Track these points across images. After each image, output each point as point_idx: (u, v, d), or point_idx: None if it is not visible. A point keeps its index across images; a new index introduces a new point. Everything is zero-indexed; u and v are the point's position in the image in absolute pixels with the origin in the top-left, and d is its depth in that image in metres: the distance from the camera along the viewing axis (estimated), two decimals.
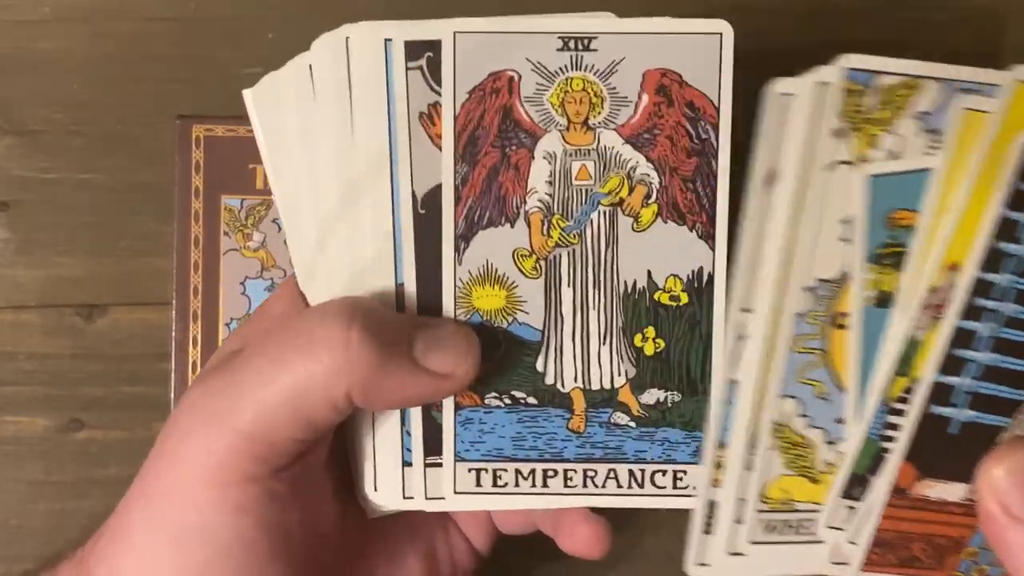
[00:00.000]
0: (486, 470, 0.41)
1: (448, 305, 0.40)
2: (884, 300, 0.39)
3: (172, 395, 0.49)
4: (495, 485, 0.41)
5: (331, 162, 0.40)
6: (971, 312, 0.38)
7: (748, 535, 0.40)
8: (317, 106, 0.40)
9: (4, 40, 0.51)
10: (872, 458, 0.39)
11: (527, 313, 0.40)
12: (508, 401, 0.40)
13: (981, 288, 0.38)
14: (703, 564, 0.40)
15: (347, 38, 0.40)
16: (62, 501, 0.51)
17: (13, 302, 0.51)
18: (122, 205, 0.51)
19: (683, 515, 0.42)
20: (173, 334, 0.49)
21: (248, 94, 0.41)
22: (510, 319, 0.40)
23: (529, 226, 0.40)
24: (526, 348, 0.40)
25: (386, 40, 0.40)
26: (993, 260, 0.38)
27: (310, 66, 0.40)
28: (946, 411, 0.39)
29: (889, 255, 0.39)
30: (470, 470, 0.40)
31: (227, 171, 0.48)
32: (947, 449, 0.39)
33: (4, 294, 0.51)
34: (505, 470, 0.40)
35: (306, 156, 0.41)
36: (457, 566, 0.45)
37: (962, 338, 0.38)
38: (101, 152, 0.51)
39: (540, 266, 0.40)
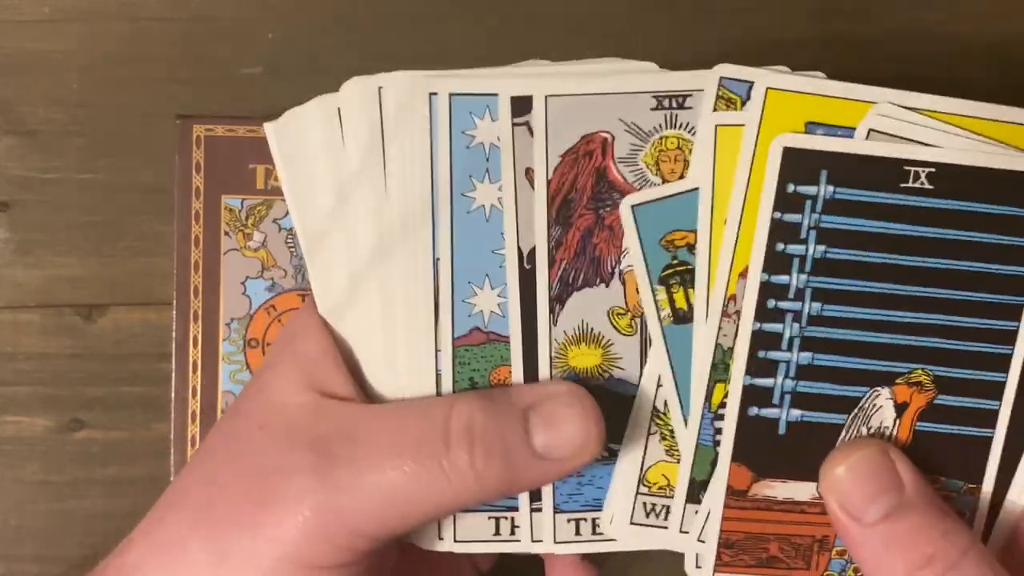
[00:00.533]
0: (585, 519, 0.41)
1: (544, 365, 0.40)
2: (681, 317, 0.40)
3: (172, 395, 0.48)
4: (594, 533, 0.41)
5: (366, 211, 0.40)
6: (767, 314, 0.39)
7: (629, 518, 0.41)
8: (348, 152, 0.40)
9: (4, 40, 0.51)
10: (710, 464, 0.40)
11: (623, 369, 0.40)
12: (605, 454, 0.40)
13: (773, 290, 0.39)
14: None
15: (380, 88, 0.40)
16: (62, 501, 0.51)
17: (13, 302, 0.51)
18: (122, 205, 0.51)
19: None
20: (173, 334, 0.49)
21: (270, 128, 0.41)
22: (605, 375, 0.40)
23: (624, 285, 0.40)
24: (621, 403, 0.41)
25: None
26: (778, 263, 0.38)
27: (339, 109, 0.40)
28: (768, 412, 0.39)
29: (674, 275, 0.39)
30: (569, 520, 0.41)
31: (227, 171, 0.48)
32: (780, 449, 0.39)
33: (4, 294, 0.51)
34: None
35: (334, 197, 0.41)
36: None
37: (765, 340, 0.39)
38: (101, 152, 0.51)
39: (635, 324, 0.40)
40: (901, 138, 0.38)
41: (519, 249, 0.40)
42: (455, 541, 0.41)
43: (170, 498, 0.39)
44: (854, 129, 0.38)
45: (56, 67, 0.51)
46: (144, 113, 0.51)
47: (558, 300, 0.40)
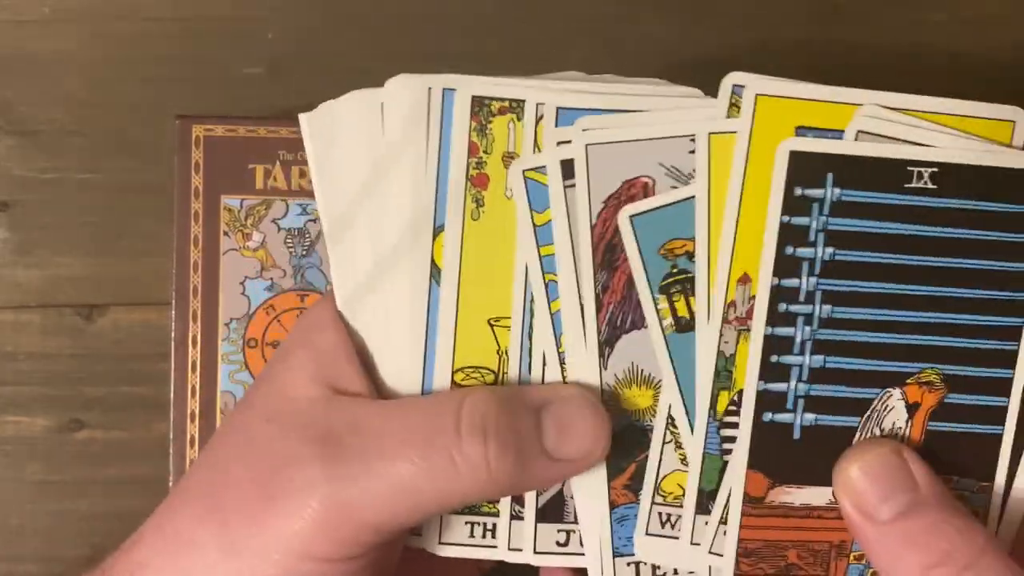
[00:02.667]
0: (644, 563, 0.41)
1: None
2: (683, 325, 0.39)
3: (172, 395, 0.48)
4: (654, 575, 0.41)
5: (394, 204, 0.40)
6: (779, 318, 0.39)
7: (644, 528, 0.40)
8: (385, 143, 0.40)
9: (4, 40, 0.51)
10: (719, 472, 0.40)
11: None
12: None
13: (784, 294, 0.39)
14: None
15: (429, 88, 0.40)
16: (62, 501, 0.51)
17: (13, 302, 0.51)
18: (122, 205, 0.51)
19: None
20: (173, 334, 0.49)
21: (304, 119, 0.41)
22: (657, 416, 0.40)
23: None
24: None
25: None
26: (788, 266, 0.38)
27: (382, 104, 0.40)
28: (783, 417, 0.39)
29: (674, 283, 0.39)
30: (629, 564, 0.41)
31: (227, 171, 0.48)
32: (795, 454, 0.39)
33: (4, 294, 0.51)
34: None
35: (359, 186, 0.41)
36: None
37: (777, 344, 0.39)
38: (101, 152, 0.51)
39: None
40: (893, 139, 0.38)
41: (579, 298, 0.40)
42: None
43: (180, 492, 0.39)
44: (843, 132, 0.38)
45: (56, 67, 0.51)
46: (144, 113, 0.51)
47: (607, 344, 0.40)
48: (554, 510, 0.41)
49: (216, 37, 0.51)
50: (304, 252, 0.49)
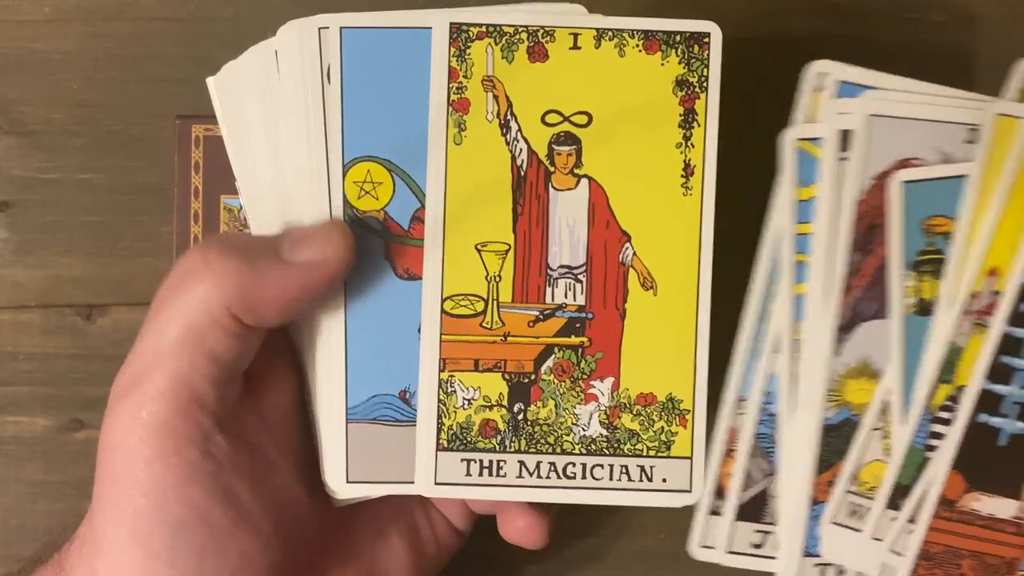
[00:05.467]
0: (830, 564, 0.40)
1: (820, 396, 0.39)
2: (925, 308, 0.39)
3: None
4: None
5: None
6: (1018, 319, 0.38)
7: (832, 515, 0.39)
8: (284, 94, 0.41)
9: (4, 40, 0.51)
10: (917, 468, 0.39)
11: None
12: None
13: None
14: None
15: (320, 28, 0.41)
16: (62, 501, 0.51)
17: (13, 302, 0.51)
18: (122, 205, 0.51)
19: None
20: None
21: (211, 82, 0.42)
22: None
23: None
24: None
25: None
26: None
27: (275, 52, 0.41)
28: (995, 421, 0.38)
29: (927, 262, 0.38)
30: (816, 565, 0.40)
31: (227, 171, 0.48)
32: (996, 461, 0.38)
33: (4, 294, 0.51)
34: None
35: (262, 136, 0.42)
36: (440, 543, 0.45)
37: (1009, 345, 0.38)
38: (101, 152, 0.51)
39: None
40: None
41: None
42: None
43: None
44: None
45: (56, 67, 0.51)
46: (144, 113, 0.51)
47: (844, 330, 0.39)
48: (756, 508, 0.40)
49: (216, 37, 0.51)
50: None
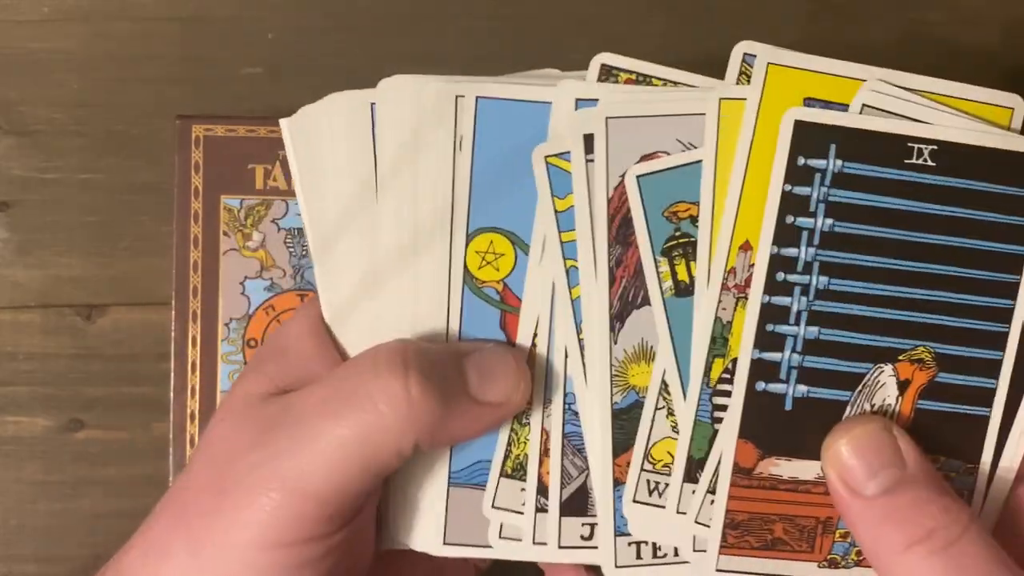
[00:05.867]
0: (645, 543, 0.41)
1: (605, 382, 0.40)
2: (683, 290, 0.40)
3: (171, 395, 0.48)
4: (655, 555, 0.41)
5: (388, 205, 0.40)
6: (776, 287, 0.39)
7: (632, 494, 0.40)
8: (381, 152, 0.40)
9: (4, 40, 0.51)
10: (708, 441, 0.40)
11: None
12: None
13: (782, 263, 0.39)
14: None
15: (420, 90, 0.40)
16: (62, 501, 0.51)
17: (13, 302, 0.51)
18: (122, 205, 0.51)
19: None
20: (173, 334, 0.49)
21: (285, 124, 0.41)
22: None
23: None
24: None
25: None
26: (787, 235, 0.39)
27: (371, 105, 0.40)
28: (775, 387, 0.39)
29: (676, 247, 0.40)
30: (630, 544, 0.41)
31: (226, 171, 0.48)
32: (785, 426, 0.39)
33: (4, 294, 0.51)
34: None
35: (350, 191, 0.41)
36: None
37: (773, 313, 0.39)
38: (101, 152, 0.51)
39: None
40: (897, 115, 0.39)
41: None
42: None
43: (161, 501, 0.40)
44: (848, 107, 0.39)
45: (56, 67, 0.51)
46: (144, 113, 0.51)
47: (618, 318, 0.40)
48: (579, 502, 0.41)
49: (216, 37, 0.51)
50: (304, 252, 0.49)
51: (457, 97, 0.40)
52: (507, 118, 0.40)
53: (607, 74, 0.40)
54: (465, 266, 0.40)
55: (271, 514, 0.36)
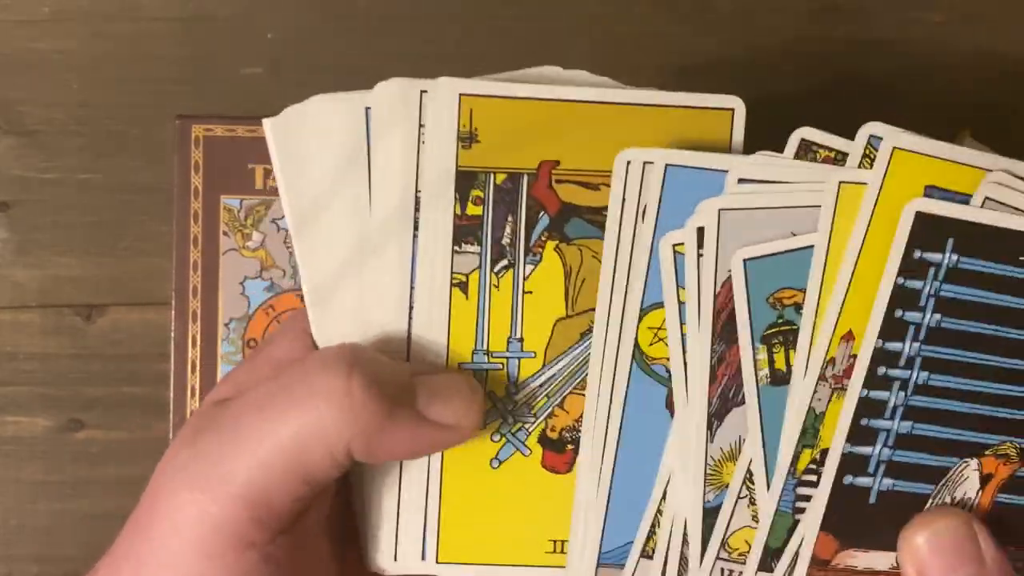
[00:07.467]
0: None
1: (699, 480, 0.39)
2: (779, 378, 0.39)
3: (171, 395, 0.49)
4: None
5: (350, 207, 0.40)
6: (876, 382, 0.38)
7: None
8: (373, 152, 0.40)
9: (4, 40, 0.51)
10: (787, 531, 0.39)
11: None
12: None
13: (885, 357, 0.38)
14: None
15: (423, 92, 0.39)
16: (62, 501, 0.51)
17: (13, 302, 0.51)
18: (122, 205, 0.51)
19: None
20: (173, 334, 0.49)
21: (268, 124, 0.40)
22: None
23: None
24: None
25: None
26: (894, 329, 0.38)
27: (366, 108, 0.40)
28: (862, 481, 0.39)
29: (777, 334, 0.39)
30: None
31: (226, 171, 0.48)
32: (868, 519, 0.39)
33: (4, 294, 0.51)
34: None
35: (332, 191, 0.40)
36: None
37: (869, 408, 0.38)
38: (101, 152, 0.51)
39: None
40: (1019, 210, 0.38)
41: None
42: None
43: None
44: (970, 196, 0.38)
45: (56, 67, 0.51)
46: (144, 113, 0.51)
47: (716, 417, 0.39)
48: None
49: (216, 37, 0.51)
50: None
51: (645, 163, 0.38)
52: (690, 186, 0.38)
53: (806, 150, 0.38)
54: (636, 342, 0.39)
55: (199, 518, 0.35)
